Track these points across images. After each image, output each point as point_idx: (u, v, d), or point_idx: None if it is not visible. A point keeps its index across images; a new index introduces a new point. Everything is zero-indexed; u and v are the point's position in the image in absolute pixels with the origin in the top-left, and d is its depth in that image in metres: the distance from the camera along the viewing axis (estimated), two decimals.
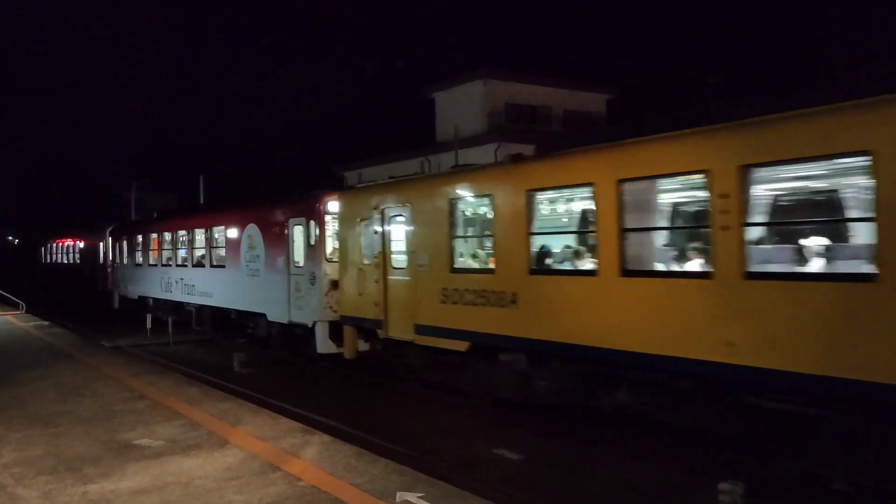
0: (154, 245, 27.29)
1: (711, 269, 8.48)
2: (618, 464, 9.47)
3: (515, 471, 9.36)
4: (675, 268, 9.67)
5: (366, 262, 14.69)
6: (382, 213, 14.23)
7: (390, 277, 14.01)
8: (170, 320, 23.20)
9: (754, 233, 8.41)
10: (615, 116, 40.75)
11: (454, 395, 13.26)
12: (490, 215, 11.94)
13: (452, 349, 12.44)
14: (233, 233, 20.80)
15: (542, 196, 11.24)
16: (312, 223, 16.82)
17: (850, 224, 8.44)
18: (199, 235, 23.52)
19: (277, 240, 18.26)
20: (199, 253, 23.52)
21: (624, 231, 9.49)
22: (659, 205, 10.08)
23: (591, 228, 10.32)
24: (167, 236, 26.11)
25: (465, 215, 12.94)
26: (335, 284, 16.08)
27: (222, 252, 21.68)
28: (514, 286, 11.09)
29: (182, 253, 24.65)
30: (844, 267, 8.01)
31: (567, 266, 11.00)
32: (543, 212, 11.70)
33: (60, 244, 42.47)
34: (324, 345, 16.37)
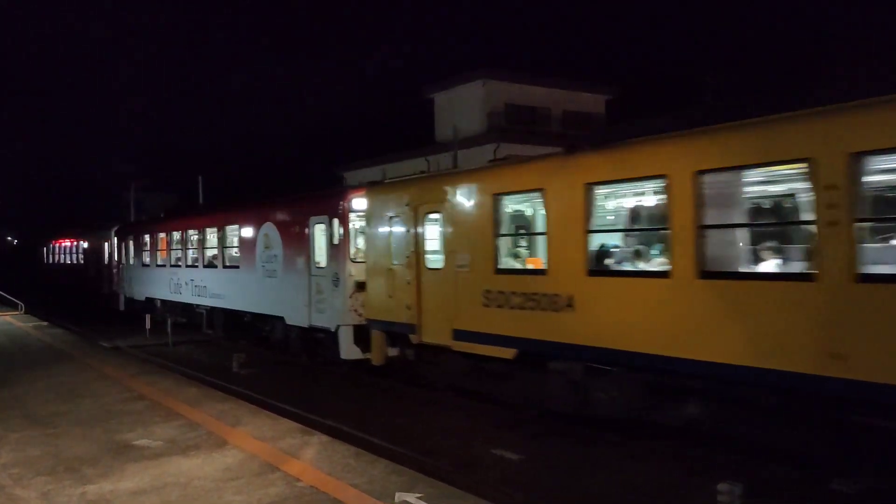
0: (162, 245, 26.48)
1: (814, 271, 7.58)
2: (617, 464, 9.46)
3: (515, 471, 9.35)
4: (765, 269, 8.63)
5: (396, 262, 13.78)
6: (416, 209, 13.32)
7: (425, 279, 13.09)
8: (169, 321, 23.11)
9: (868, 229, 7.58)
10: (615, 117, 40.74)
11: (454, 396, 13.25)
12: (541, 211, 11.11)
13: (496, 357, 11.51)
14: (248, 232, 19.98)
15: (602, 190, 10.27)
16: (336, 221, 15.95)
17: None
18: (211, 235, 22.76)
19: (297, 239, 17.44)
20: (210, 253, 22.78)
21: (702, 228, 8.59)
22: (745, 199, 9.14)
23: (662, 225, 9.37)
24: (176, 236, 25.31)
25: (511, 211, 12.19)
26: (361, 286, 15.18)
27: (236, 252, 20.91)
28: (570, 288, 10.20)
29: (192, 253, 23.89)
30: None
31: (633, 267, 10.05)
32: (604, 207, 10.80)
33: (63, 244, 41.63)
34: (348, 350, 15.48)
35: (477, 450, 10.26)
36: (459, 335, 12.19)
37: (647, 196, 10.33)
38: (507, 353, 11.30)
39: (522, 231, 12.46)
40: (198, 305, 23.36)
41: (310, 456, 8.35)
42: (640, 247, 10.24)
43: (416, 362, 13.96)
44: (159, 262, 26.65)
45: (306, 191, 19.83)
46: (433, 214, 13.04)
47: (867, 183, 7.41)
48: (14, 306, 32.35)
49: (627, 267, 10.12)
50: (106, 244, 33.16)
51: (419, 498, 6.81)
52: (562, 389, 10.73)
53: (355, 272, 15.40)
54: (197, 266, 23.30)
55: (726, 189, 8.79)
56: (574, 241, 10.19)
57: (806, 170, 7.72)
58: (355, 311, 15.32)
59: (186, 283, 23.84)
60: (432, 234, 13.26)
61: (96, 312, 32.34)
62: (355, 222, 15.75)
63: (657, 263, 9.59)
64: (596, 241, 10.35)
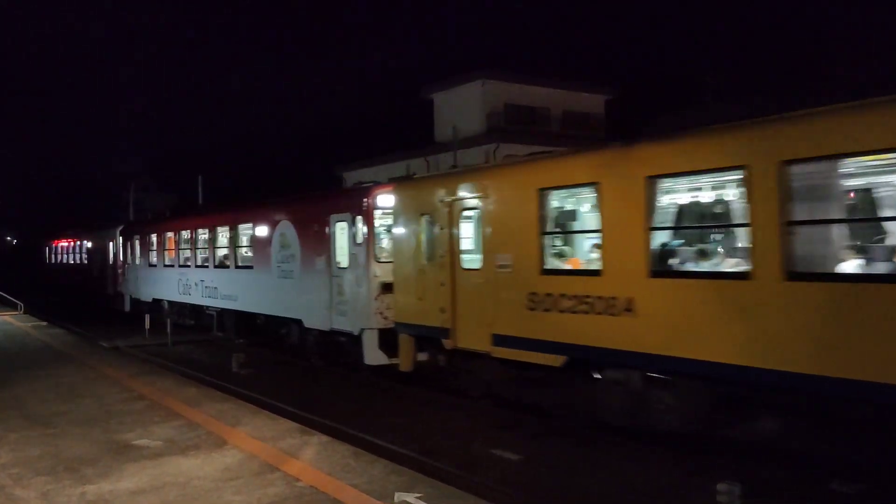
0: (170, 245, 25.60)
1: None
2: (617, 464, 9.46)
3: (514, 471, 9.35)
4: (869, 269, 7.82)
5: (428, 262, 12.97)
6: (451, 206, 12.48)
7: (460, 280, 12.31)
8: (168, 321, 23.07)
9: None
10: (614, 117, 40.77)
11: (453, 396, 13.25)
12: (595, 207, 10.27)
13: (542, 364, 10.70)
14: (262, 231, 19.10)
15: (666, 183, 9.42)
16: (360, 219, 15.05)
17: None
18: (222, 234, 21.94)
19: (316, 238, 16.61)
20: (221, 253, 21.97)
21: (790, 224, 7.80)
22: (841, 192, 8.21)
23: (741, 221, 8.50)
24: (185, 235, 24.39)
25: (560, 208, 11.33)
26: (387, 287, 14.37)
27: (249, 252, 20.10)
28: (629, 291, 9.38)
29: (203, 253, 23.06)
30: None
31: (704, 267, 9.13)
32: (668, 202, 9.80)
33: (66, 244, 40.81)
34: (373, 355, 14.62)
35: (477, 450, 10.26)
36: (500, 340, 11.40)
37: (721, 189, 9.41)
38: (555, 360, 10.49)
39: (574, 229, 11.46)
40: (208, 307, 22.65)
41: (309, 456, 8.35)
42: (712, 245, 9.49)
43: (448, 368, 13.23)
44: (167, 263, 25.86)
45: (326, 187, 19.31)
46: (470, 211, 12.32)
47: None
48: (13, 306, 32.34)
49: (697, 267, 9.19)
50: (111, 244, 32.38)
51: (419, 498, 6.81)
52: (616, 400, 9.97)
53: (381, 273, 14.60)
54: (207, 266, 22.55)
55: (818, 180, 7.93)
56: (634, 240, 9.35)
57: None
58: (380, 313, 14.49)
59: (196, 284, 23.11)
60: (469, 232, 12.57)
61: (96, 313, 32.27)
62: (380, 220, 15.00)
63: (733, 264, 8.86)
64: (659, 239, 9.42)
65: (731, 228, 9.19)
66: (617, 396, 9.96)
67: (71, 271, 39.44)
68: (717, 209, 9.61)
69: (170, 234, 25.76)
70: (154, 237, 27.01)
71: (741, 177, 8.33)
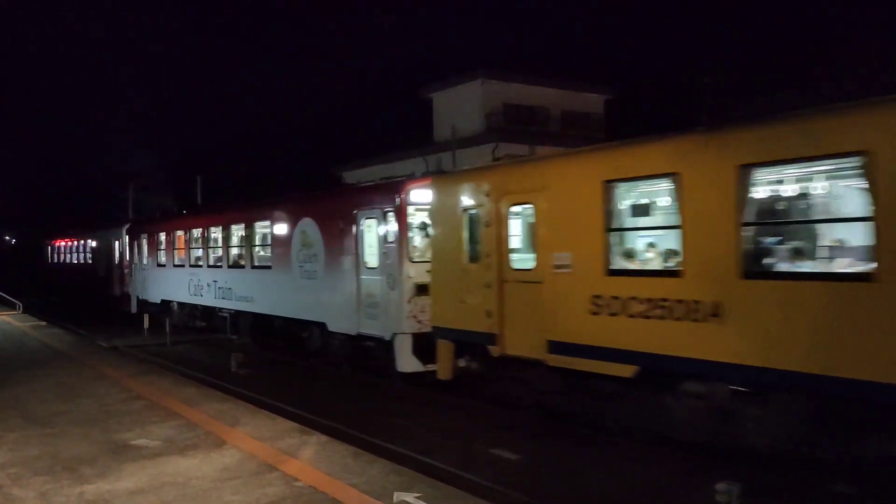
0: (180, 244, 24.62)
1: None
2: (615, 465, 9.46)
3: (513, 471, 9.35)
4: None
5: (472, 262, 12.04)
6: (498, 201, 11.48)
7: (509, 282, 11.33)
8: (167, 320, 22.99)
9: None
10: (614, 117, 40.79)
11: (453, 396, 13.24)
12: (674, 201, 9.20)
13: (608, 374, 9.77)
14: (282, 229, 18.16)
15: (763, 173, 8.37)
16: (391, 216, 14.12)
17: None
18: (237, 232, 20.94)
19: (342, 237, 15.64)
20: (236, 252, 21.04)
21: None
22: None
23: (860, 215, 7.48)
24: (197, 234, 23.40)
25: (630, 201, 10.29)
26: (421, 289, 13.52)
27: (267, 251, 19.21)
28: (716, 294, 8.37)
29: (216, 252, 22.09)
30: None
31: (812, 267, 8.14)
32: (764, 194, 8.69)
33: (69, 243, 39.86)
34: (406, 362, 13.66)
35: (476, 450, 10.25)
36: (557, 347, 10.43)
37: (830, 180, 8.27)
38: (625, 370, 9.49)
39: (647, 225, 10.26)
40: (221, 309, 21.67)
41: (308, 456, 8.34)
42: (820, 243, 8.41)
43: (494, 377, 12.22)
44: (177, 262, 24.90)
45: (353, 184, 18.31)
46: (521, 206, 11.37)
47: None
48: (12, 306, 32.33)
49: (803, 268, 8.17)
50: (116, 243, 31.50)
51: (418, 497, 6.81)
52: (698, 415, 9.01)
53: (414, 273, 13.68)
54: (220, 266, 21.58)
55: None
56: (722, 237, 8.33)
57: None
58: (414, 317, 13.59)
59: (208, 285, 22.18)
60: (519, 229, 11.76)
61: (96, 312, 32.19)
62: (414, 217, 14.03)
63: (846, 264, 7.89)
64: (755, 235, 8.40)
65: (845, 224, 8.09)
66: (698, 411, 8.96)
67: (74, 271, 38.62)
68: (827, 202, 8.41)
69: (180, 233, 24.81)
70: (163, 236, 26.09)
71: (862, 163, 7.30)
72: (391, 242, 14.10)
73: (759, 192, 8.54)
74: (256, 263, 19.74)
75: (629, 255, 10.12)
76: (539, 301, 10.72)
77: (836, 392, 7.51)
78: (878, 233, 7.15)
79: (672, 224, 9.24)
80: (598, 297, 9.83)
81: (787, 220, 8.80)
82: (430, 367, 13.25)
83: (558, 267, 10.45)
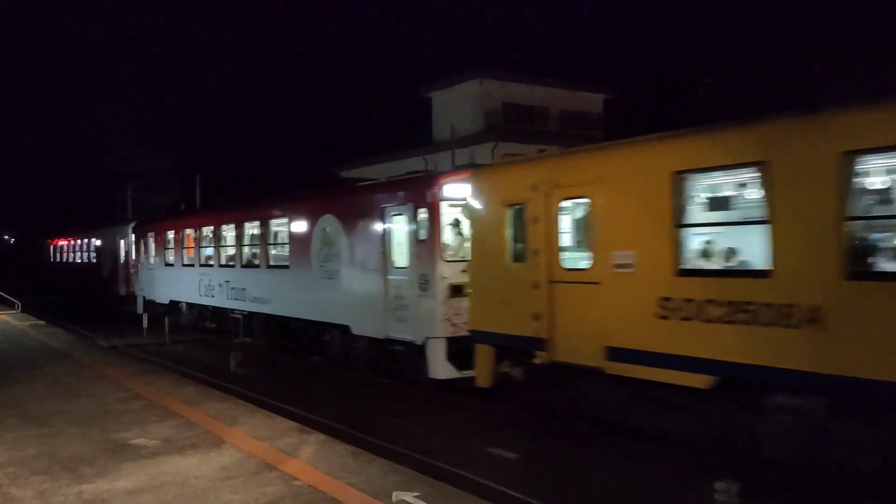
0: (189, 242, 23.74)
1: None
2: (615, 464, 9.46)
3: (513, 470, 9.34)
4: None
5: (517, 260, 11.21)
6: (548, 194, 10.61)
7: (560, 282, 10.46)
8: (166, 319, 22.91)
9: None
10: (613, 116, 40.79)
11: (451, 396, 13.23)
12: (759, 192, 8.28)
13: (678, 384, 8.88)
14: (300, 226, 17.33)
15: (873, 161, 7.46)
16: (423, 212, 13.28)
17: None
18: (252, 230, 20.09)
19: (368, 234, 14.81)
20: (250, 251, 20.20)
21: None
22: None
23: None
24: (207, 232, 22.55)
25: (705, 193, 9.43)
26: (456, 290, 12.76)
27: (284, 250, 18.35)
28: (814, 297, 7.54)
29: (228, 251, 21.26)
30: None
31: None
32: (873, 185, 7.71)
33: (72, 242, 39.00)
34: (440, 367, 12.85)
35: (475, 449, 10.25)
36: (617, 354, 9.57)
37: None
38: (699, 380, 8.60)
39: (727, 220, 9.33)
40: (233, 310, 20.85)
41: (307, 455, 8.34)
42: None
43: (542, 384, 11.30)
44: (186, 262, 24.02)
45: (380, 179, 16.80)
46: (574, 200, 10.57)
47: None
48: (11, 305, 32.32)
49: None
50: (122, 241, 30.69)
51: (417, 497, 6.81)
52: (788, 431, 8.11)
53: (449, 274, 12.87)
54: (233, 266, 20.73)
55: None
56: (822, 233, 7.51)
57: None
58: (448, 320, 12.79)
59: (220, 286, 21.32)
60: (572, 224, 11.01)
61: (96, 312, 32.10)
62: (448, 213, 13.19)
63: None
64: (859, 232, 7.52)
65: None
66: (789, 427, 8.10)
67: (78, 271, 37.78)
68: None
69: (189, 231, 23.83)
70: (171, 234, 25.20)
71: None
72: (423, 240, 13.26)
73: (867, 182, 7.61)
74: (272, 263, 18.95)
75: (705, 253, 9.22)
76: (596, 303, 9.87)
77: None
78: None
79: (758, 219, 8.25)
80: (666, 299, 8.93)
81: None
82: (466, 374, 12.52)
83: (619, 267, 9.58)
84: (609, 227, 9.83)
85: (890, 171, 7.67)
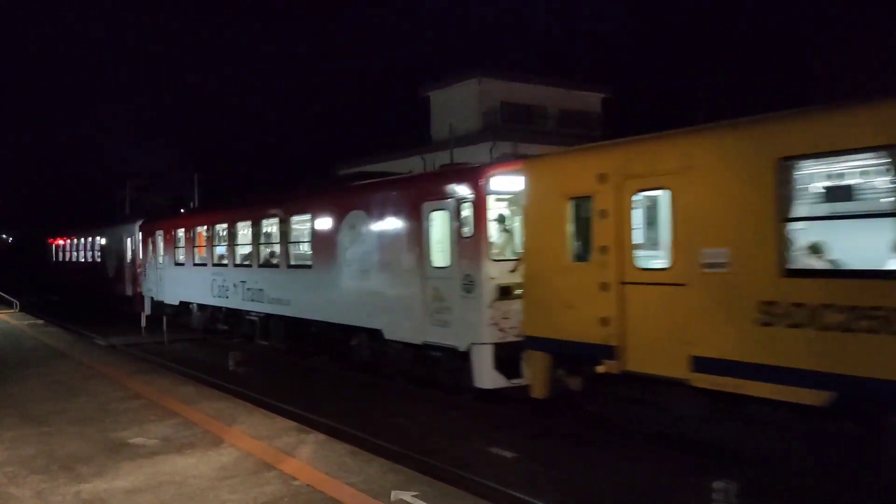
0: (200, 241, 22.68)
1: None
2: (613, 464, 9.46)
3: (511, 470, 9.35)
4: None
5: (580, 259, 10.23)
6: (619, 186, 9.58)
7: (634, 283, 9.43)
8: (164, 318, 22.88)
9: None
10: (611, 115, 40.83)
11: (450, 395, 13.23)
12: (888, 180, 7.29)
13: (787, 401, 7.82)
14: (325, 223, 16.25)
15: None
16: (467, 207, 12.23)
17: None
18: (271, 227, 19.01)
19: (403, 231, 13.74)
20: (269, 250, 19.04)
21: None
22: None
23: None
24: (221, 230, 21.39)
25: (818, 182, 8.34)
26: (505, 292, 11.73)
27: (306, 248, 17.37)
28: None
29: (243, 250, 20.20)
30: None
31: None
32: None
33: (75, 241, 37.87)
34: (487, 376, 11.75)
35: (474, 449, 10.26)
36: (705, 365, 8.49)
37: None
38: (814, 396, 7.52)
39: (847, 212, 8.21)
40: (249, 312, 19.84)
41: (306, 454, 8.34)
42: None
43: (607, 396, 10.33)
44: (197, 261, 22.88)
45: (417, 172, 16.07)
46: (649, 192, 9.66)
47: None
48: (9, 304, 32.29)
49: None
50: (128, 240, 29.62)
51: (415, 496, 6.81)
52: None
53: (497, 274, 11.83)
54: (249, 265, 19.62)
55: None
56: None
57: None
58: (496, 324, 11.74)
59: (235, 286, 20.21)
60: (647, 219, 10.12)
61: (95, 311, 32.01)
62: (495, 208, 12.28)
63: None
64: None
65: None
66: None
67: (81, 271, 36.67)
68: None
69: (201, 229, 22.69)
70: (181, 232, 23.98)
71: None
72: (467, 238, 12.19)
73: None
74: (293, 262, 17.78)
75: (817, 250, 8.02)
76: (679, 307, 8.79)
77: None
78: None
79: (889, 211, 7.21)
80: (770, 303, 7.87)
81: None
82: (515, 383, 11.65)
83: (709, 266, 8.50)
84: (696, 221, 8.69)
85: None
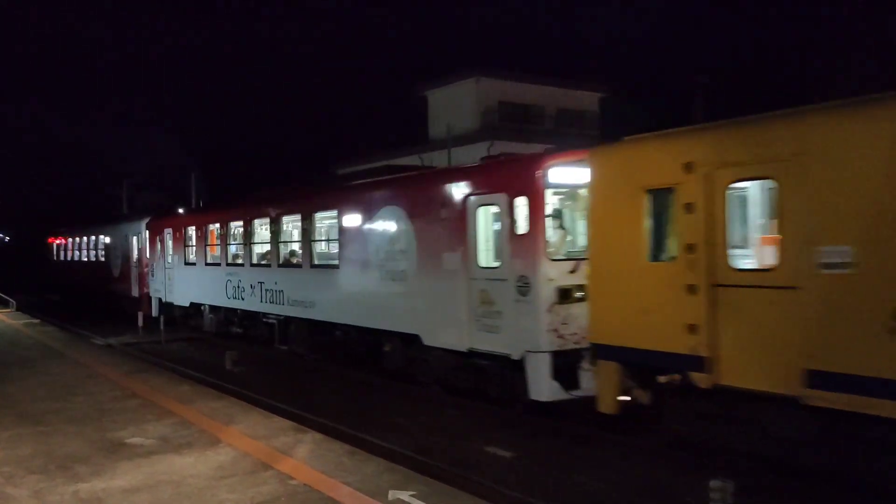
0: (213, 239, 21.63)
1: None
2: (610, 463, 9.47)
3: (508, 469, 9.35)
4: None
5: (659, 258, 9.20)
6: (709, 175, 8.49)
7: (728, 285, 8.34)
8: (161, 318, 22.80)
9: None
10: (609, 115, 40.85)
11: (447, 395, 13.23)
12: None
13: None
14: (354, 219, 15.17)
15: None
16: (521, 202, 11.18)
17: None
18: (292, 224, 18.05)
19: (446, 228, 12.58)
20: (290, 248, 18.11)
21: None
22: None
23: None
24: (236, 227, 20.36)
25: None
26: (564, 295, 10.79)
27: (333, 247, 16.40)
28: None
29: (261, 248, 19.22)
30: None
31: None
32: None
33: (78, 240, 36.76)
34: (544, 387, 10.73)
35: (471, 448, 10.26)
36: (824, 380, 7.43)
37: None
38: None
39: None
40: (267, 314, 18.84)
41: (303, 454, 8.34)
42: None
43: (684, 413, 9.19)
44: (210, 261, 21.79)
45: (462, 163, 14.57)
46: (748, 182, 8.71)
47: None
48: (5, 304, 32.25)
49: None
50: (134, 239, 28.57)
51: (412, 496, 6.81)
52: None
53: (555, 275, 10.85)
54: (268, 265, 18.59)
55: None
56: None
57: None
58: (555, 330, 10.75)
59: (252, 287, 19.16)
60: (745, 212, 9.12)
61: (93, 311, 31.90)
62: (551, 203, 11.34)
63: None
64: None
65: None
66: None
67: (84, 271, 35.53)
68: None
69: (213, 227, 21.56)
70: (192, 231, 22.89)
71: None
72: (521, 235, 11.17)
73: None
74: (318, 262, 16.80)
75: None
76: (789, 313, 7.73)
77: None
78: None
79: None
80: None
81: None
82: (575, 394, 10.76)
83: (828, 266, 7.48)
84: (811, 215, 7.64)
85: None
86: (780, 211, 7.99)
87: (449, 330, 12.46)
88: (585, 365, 10.53)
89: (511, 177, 11.68)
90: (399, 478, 7.43)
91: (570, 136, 34.78)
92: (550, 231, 11.16)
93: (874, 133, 7.22)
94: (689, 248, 8.65)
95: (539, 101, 39.60)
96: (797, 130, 7.92)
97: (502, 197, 11.49)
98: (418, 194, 13.68)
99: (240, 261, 20.17)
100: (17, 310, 30.80)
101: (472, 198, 12.11)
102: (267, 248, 18.81)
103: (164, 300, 24.92)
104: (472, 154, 30.51)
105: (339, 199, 16.10)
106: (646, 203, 9.23)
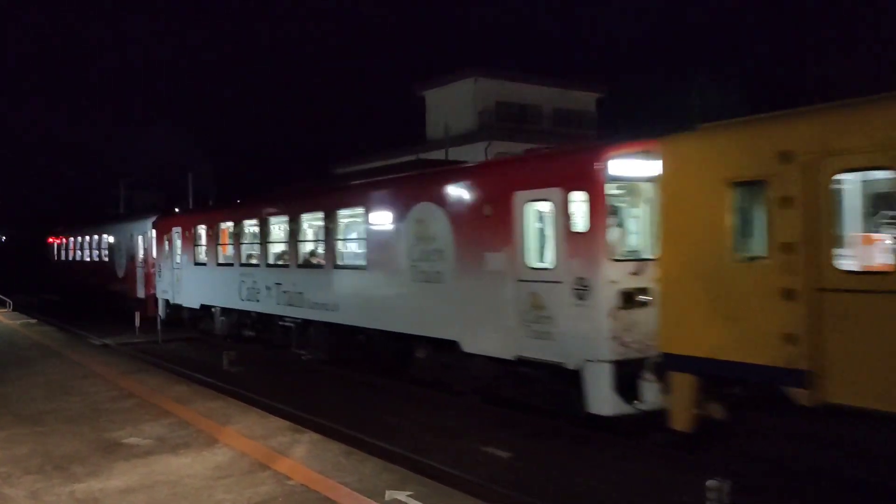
0: (224, 239, 20.70)
1: None
2: (608, 463, 9.48)
3: (505, 469, 9.36)
4: None
5: (746, 259, 8.21)
6: (810, 166, 7.52)
7: (835, 290, 7.35)
8: (158, 318, 22.74)
9: None
10: (606, 115, 40.93)
11: (447, 395, 13.22)
12: None
13: None
14: (383, 217, 14.23)
15: None
16: (579, 197, 10.27)
17: None
18: (313, 223, 17.16)
19: (489, 226, 11.60)
20: (310, 248, 17.23)
21: None
22: None
23: None
24: (250, 226, 19.39)
25: None
26: (628, 298, 9.87)
27: (359, 246, 15.52)
28: None
29: (278, 248, 18.29)
30: None
31: None
32: None
33: (80, 239, 35.86)
34: (604, 400, 9.79)
35: (468, 448, 10.25)
36: None
37: None
38: None
39: None
40: (284, 317, 17.85)
41: (300, 454, 8.33)
42: None
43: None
44: (222, 261, 20.83)
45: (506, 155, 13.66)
46: (861, 173, 7.62)
47: None
48: (2, 304, 32.20)
49: None
50: (140, 238, 27.78)
51: (410, 496, 6.81)
52: None
53: (617, 277, 9.92)
54: (286, 265, 17.69)
55: None
56: None
57: None
58: (618, 337, 9.83)
59: (268, 288, 18.21)
60: (858, 208, 7.92)
61: (93, 311, 31.77)
62: (611, 199, 10.46)
63: None
64: None
65: None
66: None
67: (87, 271, 34.57)
68: None
69: (225, 226, 20.65)
70: (203, 230, 21.93)
71: None
72: (579, 233, 10.27)
73: None
74: (342, 262, 15.86)
75: None
76: None
77: None
78: None
79: None
80: None
81: None
82: (639, 407, 9.76)
83: None
84: None
85: None
86: None
87: (493, 336, 11.55)
88: (648, 376, 9.65)
89: (566, 169, 10.75)
90: (396, 478, 7.42)
91: (568, 136, 34.82)
92: (612, 229, 10.28)
93: None
94: (786, 247, 7.72)
95: (536, 101, 39.65)
96: None
97: (556, 192, 10.53)
98: (457, 189, 12.60)
99: (255, 261, 19.24)
100: (14, 310, 30.75)
101: (520, 192, 11.11)
102: (285, 247, 17.99)
103: (171, 302, 24.05)
104: (469, 154, 30.56)
105: (366, 195, 15.09)
106: (730, 197, 8.28)
